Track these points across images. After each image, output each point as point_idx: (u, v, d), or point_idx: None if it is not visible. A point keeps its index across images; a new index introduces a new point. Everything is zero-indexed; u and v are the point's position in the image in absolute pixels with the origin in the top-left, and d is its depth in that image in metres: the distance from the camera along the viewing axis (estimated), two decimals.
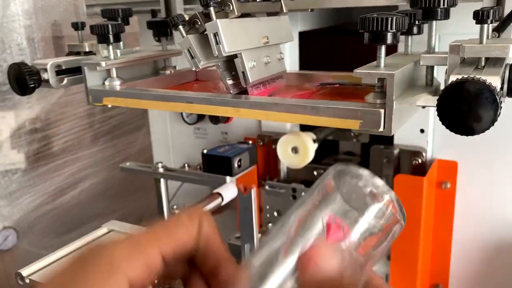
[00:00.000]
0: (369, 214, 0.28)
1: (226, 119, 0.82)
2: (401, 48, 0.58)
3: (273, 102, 0.48)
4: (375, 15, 0.42)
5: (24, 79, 0.58)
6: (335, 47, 0.89)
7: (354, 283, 0.28)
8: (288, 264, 0.27)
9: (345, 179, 0.30)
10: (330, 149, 0.89)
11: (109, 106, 0.59)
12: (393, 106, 0.43)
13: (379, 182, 0.29)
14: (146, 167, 0.68)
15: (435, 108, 0.42)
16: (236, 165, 0.62)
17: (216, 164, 0.63)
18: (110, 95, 0.59)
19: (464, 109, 0.40)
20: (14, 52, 1.10)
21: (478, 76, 0.39)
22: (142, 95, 0.56)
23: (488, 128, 0.41)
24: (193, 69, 0.49)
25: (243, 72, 0.50)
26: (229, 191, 0.54)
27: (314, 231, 0.28)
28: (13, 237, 1.05)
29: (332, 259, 0.27)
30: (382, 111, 0.44)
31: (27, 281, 0.36)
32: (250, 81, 0.50)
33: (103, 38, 0.57)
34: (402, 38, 0.51)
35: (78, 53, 0.66)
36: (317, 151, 0.72)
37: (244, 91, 0.53)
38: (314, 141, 0.67)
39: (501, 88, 0.43)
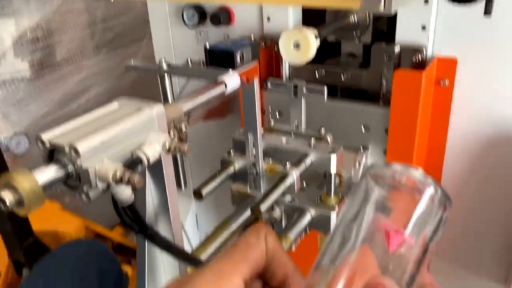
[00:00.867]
0: (419, 209, 0.28)
1: (228, 20, 0.82)
2: None
3: None
4: None
5: None
6: None
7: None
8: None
9: (383, 180, 0.29)
10: (332, 50, 0.89)
11: None
12: None
13: (417, 173, 0.29)
14: (151, 65, 0.69)
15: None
16: (238, 59, 0.63)
17: (218, 59, 0.64)
18: None
19: None
20: None
21: None
22: None
23: None
24: None
25: None
26: (232, 79, 0.55)
27: (374, 243, 0.28)
28: (25, 142, 1.09)
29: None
30: None
31: (48, 145, 0.38)
32: None
33: None
34: None
35: None
36: (319, 53, 0.73)
37: None
38: (316, 37, 0.67)
39: None
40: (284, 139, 0.72)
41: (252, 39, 0.79)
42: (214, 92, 0.53)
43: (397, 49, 0.73)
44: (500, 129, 0.75)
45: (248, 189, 0.70)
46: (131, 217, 0.41)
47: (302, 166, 0.66)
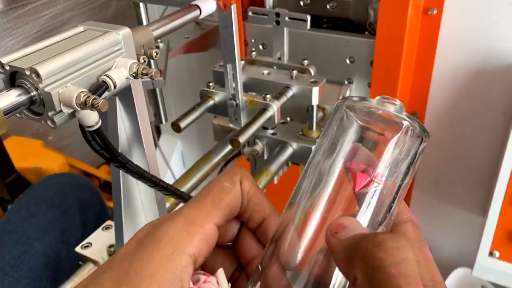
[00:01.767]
0: (390, 145, 0.27)
1: None
2: None
3: None
4: None
5: None
6: None
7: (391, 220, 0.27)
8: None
9: (357, 114, 0.28)
10: None
11: None
12: None
13: (392, 107, 0.27)
14: None
15: None
16: None
17: None
18: None
19: None
20: None
21: None
22: None
23: None
24: None
25: None
26: (207, 3, 0.52)
27: (343, 184, 0.27)
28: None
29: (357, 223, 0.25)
30: None
31: (7, 68, 0.37)
32: None
33: None
34: None
35: None
36: None
37: None
38: None
39: None
40: (265, 71, 0.70)
41: None
42: (188, 17, 0.50)
43: None
44: (487, 60, 0.73)
45: (229, 122, 0.69)
46: (101, 145, 0.40)
47: (283, 98, 0.65)
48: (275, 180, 0.73)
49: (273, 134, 0.70)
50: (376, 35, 0.70)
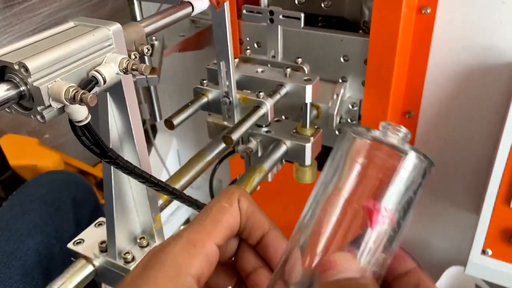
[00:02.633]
0: (396, 178, 0.26)
1: None
2: None
3: None
4: None
5: None
6: None
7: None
8: None
9: (358, 146, 0.27)
10: None
11: None
12: None
13: (395, 138, 0.26)
14: None
15: None
16: None
17: None
18: None
19: None
20: None
21: None
22: None
23: None
24: None
25: None
26: (199, 1, 0.52)
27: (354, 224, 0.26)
28: None
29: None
30: None
31: None
32: None
33: None
34: None
35: None
36: None
37: None
38: None
39: None
40: (259, 69, 0.70)
41: None
42: (180, 14, 0.50)
43: None
44: (481, 61, 0.73)
45: (223, 120, 0.69)
46: (91, 140, 0.40)
47: (277, 96, 0.65)
48: (269, 178, 0.74)
49: (267, 132, 0.70)
50: (370, 33, 0.70)
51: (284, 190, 0.90)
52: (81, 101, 0.35)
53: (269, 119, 0.64)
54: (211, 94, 0.67)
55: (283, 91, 0.66)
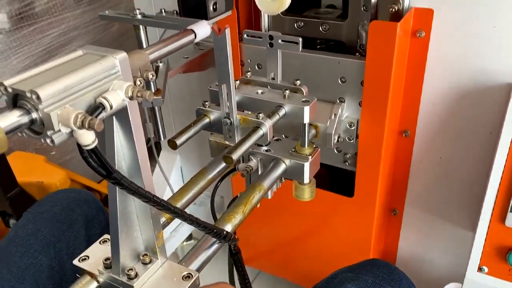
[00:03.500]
0: None
1: None
2: None
3: None
4: None
5: None
6: None
7: None
8: None
9: None
10: (312, 2, 0.88)
11: None
12: None
13: None
14: (125, 14, 0.68)
15: None
16: (211, 7, 0.63)
17: (191, 8, 0.63)
18: None
19: None
20: None
21: None
22: None
23: None
24: None
25: None
26: (201, 28, 0.55)
27: None
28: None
29: None
30: None
31: (10, 90, 0.39)
32: None
33: None
34: None
35: None
36: (299, 4, 0.72)
37: None
38: None
39: None
40: (260, 90, 0.72)
41: None
42: (183, 41, 0.53)
43: None
44: (474, 82, 0.76)
45: (224, 139, 0.71)
46: (98, 162, 0.42)
47: (276, 117, 0.67)
48: (269, 196, 0.76)
49: (266, 150, 0.73)
50: (366, 56, 0.72)
51: (284, 208, 0.91)
52: (89, 127, 0.38)
53: (268, 139, 0.66)
54: (213, 115, 0.69)
55: (282, 112, 0.68)
